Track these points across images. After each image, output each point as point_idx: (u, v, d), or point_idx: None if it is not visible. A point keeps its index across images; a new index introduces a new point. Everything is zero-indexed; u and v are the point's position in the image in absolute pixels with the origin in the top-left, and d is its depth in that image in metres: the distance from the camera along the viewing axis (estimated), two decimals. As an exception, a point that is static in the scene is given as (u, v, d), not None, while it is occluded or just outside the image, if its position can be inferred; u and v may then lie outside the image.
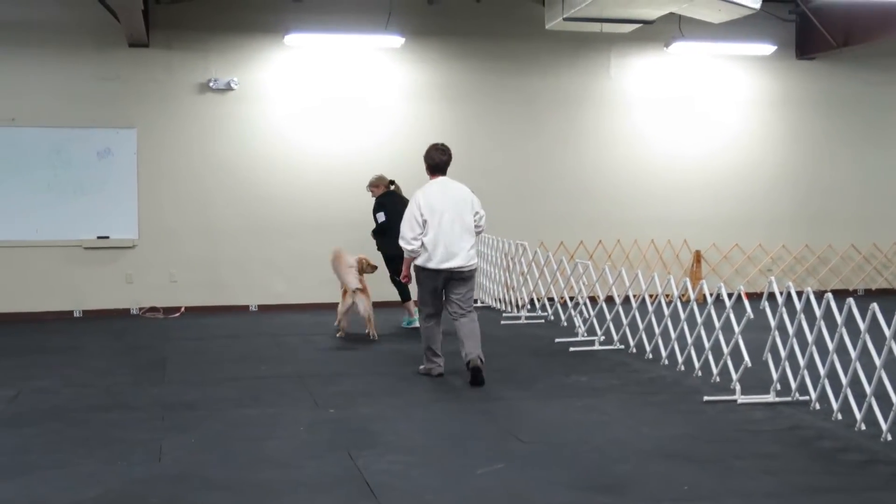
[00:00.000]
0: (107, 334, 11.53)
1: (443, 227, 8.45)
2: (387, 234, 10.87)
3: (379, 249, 11.44)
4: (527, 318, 12.18)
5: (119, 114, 12.98)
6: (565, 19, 12.28)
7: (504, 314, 12.55)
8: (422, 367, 8.94)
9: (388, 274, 11.41)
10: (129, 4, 11.15)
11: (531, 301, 12.40)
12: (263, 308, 13.34)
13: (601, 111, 14.48)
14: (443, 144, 8.89)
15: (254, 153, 13.38)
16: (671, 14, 12.54)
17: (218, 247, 13.28)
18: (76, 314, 12.88)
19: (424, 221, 8.44)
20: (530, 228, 13.82)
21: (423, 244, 8.45)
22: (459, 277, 8.54)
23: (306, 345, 10.73)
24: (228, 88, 13.22)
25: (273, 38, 13.31)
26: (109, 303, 12.97)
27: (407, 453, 6.36)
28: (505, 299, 12.91)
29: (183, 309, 13.06)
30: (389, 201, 11.19)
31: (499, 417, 7.33)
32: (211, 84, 13.17)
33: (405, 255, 8.62)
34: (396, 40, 13.14)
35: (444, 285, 8.56)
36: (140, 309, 13.02)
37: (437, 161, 8.75)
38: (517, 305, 12.52)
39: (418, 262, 8.54)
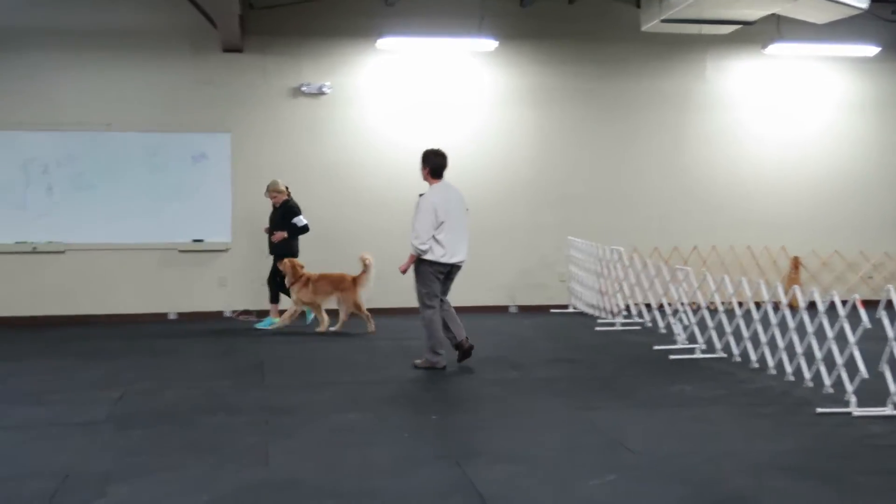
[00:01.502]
0: (202, 336, 11.62)
1: (452, 225, 9.17)
2: (297, 238, 12.07)
3: (289, 252, 12.01)
4: (622, 324, 11.99)
5: (214, 118, 13.10)
6: (663, 21, 12.09)
7: (598, 320, 12.37)
8: (419, 361, 9.39)
9: (270, 273, 12.15)
10: (226, 10, 11.24)
11: (627, 307, 12.21)
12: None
13: (696, 114, 14.22)
14: (441, 149, 9.44)
15: (345, 157, 13.40)
16: (770, 15, 12.26)
17: (309, 250, 13.28)
18: (171, 316, 13.02)
19: (441, 223, 9.08)
20: (623, 233, 13.64)
21: (436, 242, 9.11)
22: (457, 270, 9.41)
23: (399, 349, 10.66)
24: (321, 93, 13.27)
25: (365, 42, 13.33)
26: (203, 305, 13.09)
27: (515, 462, 6.25)
28: (600, 305, 12.72)
29: (235, 312, 13.13)
30: (297, 205, 12.13)
31: (604, 427, 7.17)
32: (303, 88, 13.23)
33: (413, 253, 9.14)
34: (489, 44, 13.06)
35: (444, 278, 9.32)
36: (233, 312, 13.10)
37: (441, 165, 9.34)
38: (612, 312, 12.34)
39: (433, 258, 9.13)
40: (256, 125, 13.23)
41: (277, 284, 12.08)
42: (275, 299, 12.25)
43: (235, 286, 13.16)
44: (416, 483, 5.85)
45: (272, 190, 12.07)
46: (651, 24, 12.47)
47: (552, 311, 13.73)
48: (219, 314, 13.10)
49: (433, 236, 9.11)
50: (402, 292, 12.96)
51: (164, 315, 13.02)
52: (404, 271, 9.44)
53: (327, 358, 10.16)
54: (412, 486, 5.79)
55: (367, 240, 13.31)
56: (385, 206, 13.37)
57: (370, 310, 11.81)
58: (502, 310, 13.83)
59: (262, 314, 12.88)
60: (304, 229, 12.07)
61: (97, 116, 12.87)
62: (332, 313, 11.97)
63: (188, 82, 13.07)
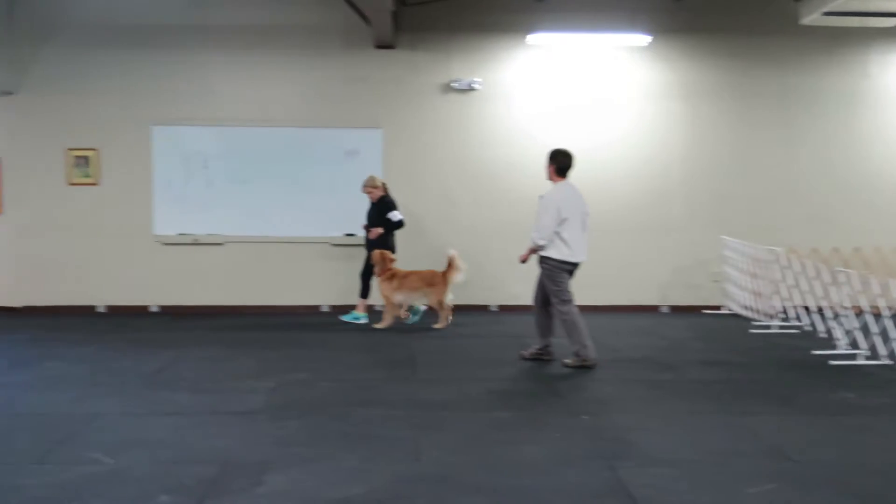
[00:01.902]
0: (354, 329, 11.78)
1: (574, 224, 9.27)
2: (393, 233, 12.05)
3: (385, 247, 11.98)
4: (779, 327, 11.62)
5: (366, 114, 13.28)
6: (825, 14, 11.66)
7: (753, 323, 12.02)
8: (569, 360, 9.37)
9: (363, 268, 12.21)
10: (380, 7, 11.37)
11: (783, 310, 11.83)
12: (504, 308, 13.33)
13: (858, 111, 13.67)
14: (568, 150, 9.50)
15: (495, 152, 13.40)
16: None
17: (458, 245, 13.34)
18: (324, 309, 13.26)
19: (563, 219, 9.17)
20: (780, 233, 13.24)
21: (561, 240, 9.22)
22: (576, 269, 9.49)
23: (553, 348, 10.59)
24: (470, 88, 13.30)
25: (515, 37, 13.29)
26: (355, 299, 13.25)
27: (670, 466, 6.11)
28: (754, 307, 12.36)
29: (424, 306, 13.20)
30: (393, 201, 12.07)
31: (762, 433, 6.95)
32: (454, 84, 13.28)
33: (533, 246, 9.34)
34: (642, 38, 12.84)
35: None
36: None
37: (567, 165, 9.45)
38: (768, 314, 11.97)
39: (560, 257, 9.25)
40: (407, 121, 13.35)
41: (368, 279, 12.15)
42: (364, 294, 12.28)
43: (385, 280, 13.30)
44: (568, 483, 5.78)
45: (368, 185, 12.06)
46: (811, 17, 12.05)
47: (705, 311, 13.43)
48: (370, 307, 13.26)
49: (558, 234, 9.24)
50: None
51: (317, 307, 13.27)
52: (524, 261, 9.67)
53: (479, 354, 10.17)
54: (563, 486, 5.73)
55: (515, 236, 13.28)
56: (531, 204, 13.27)
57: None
58: (653, 310, 13.60)
59: (411, 307, 12.98)
60: (399, 224, 12.01)
61: (255, 112, 13.22)
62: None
63: (341, 79, 13.29)
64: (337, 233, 13.24)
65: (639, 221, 13.50)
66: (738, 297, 12.91)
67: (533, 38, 13.01)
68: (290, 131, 13.25)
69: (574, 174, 13.15)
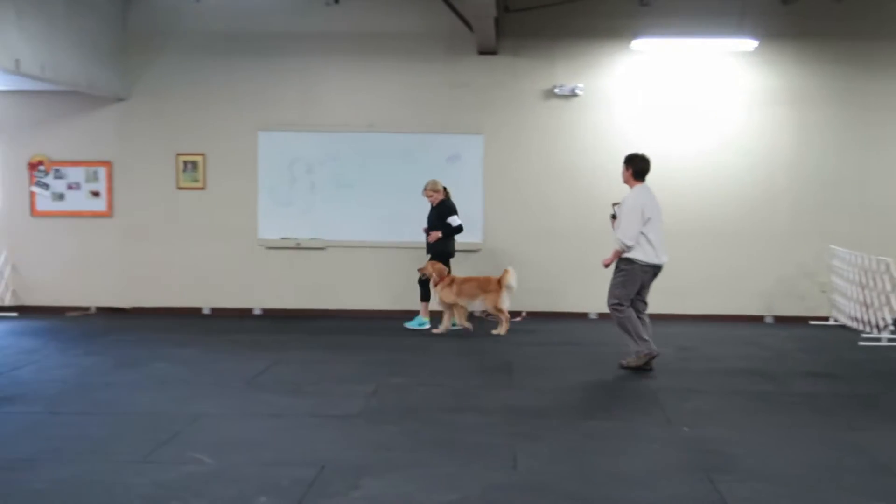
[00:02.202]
0: (452, 335, 11.81)
1: (657, 226, 9.38)
2: (453, 237, 12.06)
3: (447, 251, 12.13)
4: (889, 339, 11.27)
5: (467, 120, 13.32)
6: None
7: (863, 335, 11.68)
8: (627, 361, 9.51)
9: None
10: (483, 14, 11.38)
11: (894, 322, 11.47)
12: (604, 316, 13.18)
13: (978, 117, 13.19)
14: (646, 155, 9.66)
15: (596, 159, 13.29)
16: None
17: (558, 252, 13.32)
18: (422, 313, 13.33)
19: (648, 219, 9.26)
20: (889, 242, 12.82)
21: (647, 241, 9.29)
22: (660, 272, 9.52)
23: (662, 357, 10.45)
24: (573, 94, 13.22)
25: (619, 42, 13.17)
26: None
27: (772, 481, 5.97)
28: (863, 319, 12.01)
29: (524, 313, 13.18)
30: (453, 206, 12.06)
31: (869, 449, 6.74)
32: (556, 90, 13.22)
33: (619, 248, 9.33)
34: (749, 43, 12.59)
35: (649, 280, 9.49)
36: (483, 312, 13.26)
37: (644, 169, 9.57)
38: (878, 326, 11.62)
39: (646, 259, 9.33)
40: (508, 127, 13.34)
41: (427, 283, 12.16)
42: (425, 297, 12.30)
43: (484, 286, 13.31)
44: (665, 496, 5.69)
45: (429, 189, 12.09)
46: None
47: (811, 322, 13.10)
48: (469, 313, 13.26)
49: (645, 235, 9.31)
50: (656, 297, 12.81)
51: (416, 312, 13.33)
52: (607, 265, 9.64)
53: (577, 362, 10.10)
54: (661, 499, 5.65)
55: (609, 243, 13.15)
56: (636, 210, 13.17)
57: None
58: (757, 319, 13.32)
59: (510, 315, 12.97)
60: (459, 229, 11.99)
61: (358, 117, 13.37)
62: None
63: (444, 84, 13.35)
64: (437, 238, 13.29)
65: (742, 228, 13.24)
66: (846, 308, 12.56)
67: (637, 44, 12.85)
68: (393, 137, 13.36)
69: (677, 180, 13.10)
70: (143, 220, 13.54)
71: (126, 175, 13.52)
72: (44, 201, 13.50)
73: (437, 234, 12.01)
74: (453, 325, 12.13)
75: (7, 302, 13.33)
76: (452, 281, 11.86)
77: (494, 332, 11.86)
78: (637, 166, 9.57)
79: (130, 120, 13.51)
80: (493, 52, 13.20)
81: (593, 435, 7.09)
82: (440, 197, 12.11)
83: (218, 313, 13.49)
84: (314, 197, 13.41)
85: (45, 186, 13.52)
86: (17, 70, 10.44)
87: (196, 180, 13.50)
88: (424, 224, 12.23)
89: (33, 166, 13.52)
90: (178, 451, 6.57)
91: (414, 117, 13.37)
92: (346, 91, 13.41)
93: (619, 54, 13.27)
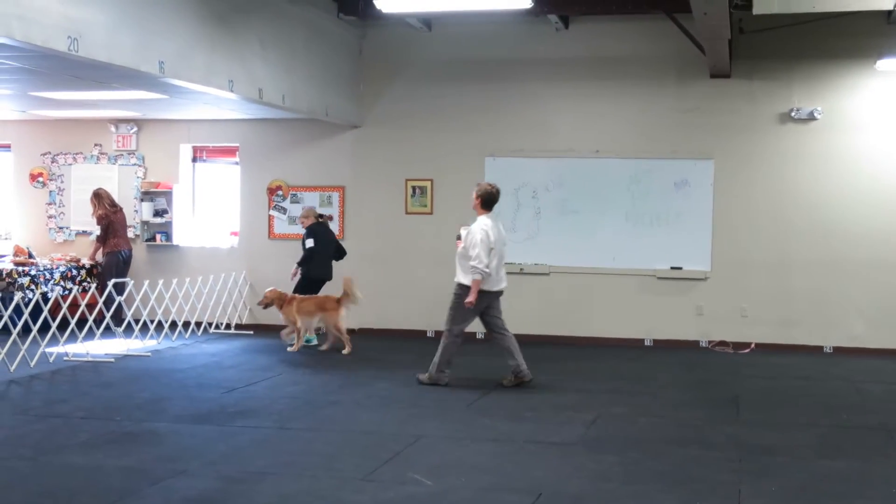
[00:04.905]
0: (677, 366, 11.50)
1: (500, 254, 9.86)
2: (314, 260, 12.46)
3: (308, 275, 12.53)
4: None
5: (697, 145, 12.97)
6: None
7: None
8: (424, 376, 10.00)
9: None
10: (717, 36, 11.06)
11: None
12: (839, 350, 12.51)
13: None
14: (496, 185, 10.04)
15: (836, 185, 12.63)
16: None
17: (792, 282, 12.73)
18: (647, 343, 13.04)
19: (491, 249, 9.64)
20: None
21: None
22: (500, 296, 10.06)
23: (890, 395, 9.83)
24: (811, 118, 12.64)
25: (863, 63, 12.48)
26: (679, 334, 12.98)
27: None
28: None
29: (753, 345, 12.67)
30: (321, 230, 12.57)
31: None
32: (793, 114, 12.68)
33: (477, 278, 9.61)
34: None
35: (488, 305, 9.89)
36: (709, 342, 12.85)
37: (494, 198, 9.93)
38: None
39: (482, 285, 9.68)
40: (739, 152, 12.89)
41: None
42: None
43: (712, 316, 12.89)
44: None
45: (300, 217, 12.92)
46: None
47: None
48: (695, 343, 12.91)
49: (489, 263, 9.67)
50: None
51: (641, 341, 13.07)
52: (470, 303, 9.76)
53: (809, 397, 9.62)
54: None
55: (854, 273, 12.49)
56: (878, 239, 12.45)
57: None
58: None
59: (738, 346, 12.54)
60: (307, 252, 12.45)
61: (586, 143, 13.26)
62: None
63: (673, 109, 13.05)
64: (663, 265, 12.99)
65: None
66: None
67: (883, 64, 12.15)
68: (620, 162, 13.16)
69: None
70: (372, 244, 13.90)
71: (357, 199, 13.95)
72: (281, 225, 14.13)
73: (293, 271, 12.63)
74: (308, 340, 12.38)
75: (245, 320, 14.02)
76: (293, 300, 12.11)
77: (344, 352, 11.95)
78: (486, 196, 9.86)
79: (363, 146, 13.94)
80: (726, 76, 12.80)
81: (825, 475, 6.71)
82: (308, 223, 12.57)
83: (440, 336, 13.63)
84: (539, 222, 13.40)
85: (283, 210, 14.15)
86: (260, 99, 10.98)
87: (424, 205, 13.77)
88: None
89: (272, 191, 14.18)
90: (398, 470, 6.66)
91: (642, 142, 13.15)
92: (572, 116, 13.34)
93: (862, 76, 12.58)
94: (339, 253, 12.79)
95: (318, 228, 12.66)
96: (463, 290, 9.78)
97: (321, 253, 12.51)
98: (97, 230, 13.81)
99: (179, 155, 14.60)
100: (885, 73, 12.38)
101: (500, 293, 10.05)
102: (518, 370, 9.91)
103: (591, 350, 12.60)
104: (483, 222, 9.81)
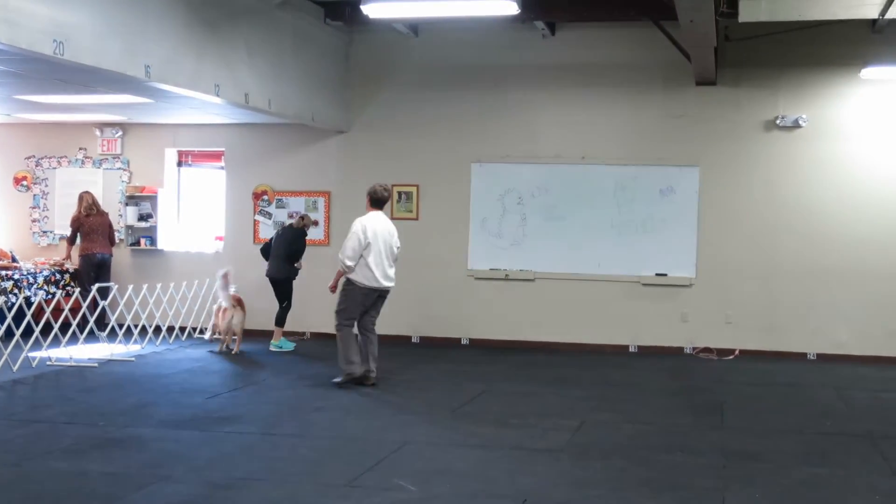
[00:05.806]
0: (662, 372, 11.52)
1: (381, 252, 9.91)
2: (267, 259, 12.66)
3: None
4: None
5: (683, 152, 13.00)
6: None
7: None
8: (338, 379, 9.97)
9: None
10: (703, 44, 11.10)
11: None
12: (823, 357, 12.56)
13: None
14: (387, 184, 10.43)
15: (821, 193, 12.69)
16: None
17: (776, 289, 12.77)
18: (632, 349, 13.06)
19: (368, 244, 9.79)
20: None
21: (364, 264, 9.83)
22: (384, 296, 10.19)
23: (875, 402, 9.87)
24: (796, 125, 12.69)
25: (847, 72, 12.54)
26: (664, 340, 13.00)
27: None
28: None
29: (737, 352, 12.71)
30: (283, 232, 12.73)
31: None
32: (778, 121, 12.74)
33: (341, 269, 9.87)
34: None
35: (372, 303, 10.07)
36: (694, 349, 12.89)
37: (382, 197, 10.23)
38: None
39: (363, 281, 9.88)
40: (725, 159, 12.93)
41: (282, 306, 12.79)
42: (281, 322, 12.89)
43: (697, 322, 12.93)
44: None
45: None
46: None
47: None
48: (679, 350, 12.94)
49: (364, 258, 9.83)
50: (889, 339, 12.24)
51: (626, 347, 13.09)
52: (332, 288, 10.21)
53: (794, 404, 9.65)
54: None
55: (842, 281, 12.54)
56: (862, 247, 12.51)
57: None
58: None
59: (723, 353, 12.58)
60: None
61: (572, 149, 13.27)
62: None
63: (659, 116, 13.09)
64: (648, 272, 13.01)
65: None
66: None
67: (868, 72, 12.22)
68: (606, 169, 13.18)
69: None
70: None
71: (343, 205, 13.91)
72: (266, 230, 14.08)
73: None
74: (279, 346, 12.69)
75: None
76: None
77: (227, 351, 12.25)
78: (372, 195, 10.17)
79: (349, 152, 13.93)
80: (711, 83, 12.84)
81: (810, 482, 6.72)
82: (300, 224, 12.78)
83: (426, 342, 13.65)
84: (524, 228, 13.40)
85: (269, 216, 14.12)
86: (246, 104, 10.96)
87: (410, 211, 13.77)
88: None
89: (258, 196, 14.15)
90: (383, 477, 6.65)
91: (628, 149, 13.17)
92: (558, 123, 13.36)
93: (847, 84, 12.64)
94: (291, 257, 12.63)
95: (281, 230, 12.86)
96: (348, 283, 9.97)
97: (273, 254, 12.61)
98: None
99: (165, 159, 14.56)
100: (869, 81, 12.45)
101: (383, 293, 10.17)
102: (362, 373, 10.07)
103: (575, 356, 12.60)
104: (364, 218, 10.05)
